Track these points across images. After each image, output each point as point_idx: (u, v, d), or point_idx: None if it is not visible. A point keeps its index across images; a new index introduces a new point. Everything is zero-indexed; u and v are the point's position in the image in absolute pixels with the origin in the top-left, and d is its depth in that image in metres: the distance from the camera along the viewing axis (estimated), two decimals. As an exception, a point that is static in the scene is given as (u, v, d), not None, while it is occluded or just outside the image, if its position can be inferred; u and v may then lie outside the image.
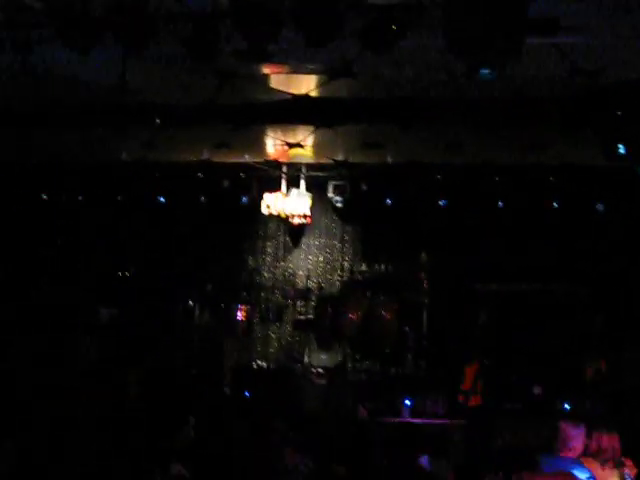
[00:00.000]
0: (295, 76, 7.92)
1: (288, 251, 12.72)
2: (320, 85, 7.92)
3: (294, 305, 11.86)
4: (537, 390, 9.54)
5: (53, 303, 11.47)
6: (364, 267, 12.25)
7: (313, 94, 8.25)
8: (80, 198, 12.03)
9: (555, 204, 11.16)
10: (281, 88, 8.13)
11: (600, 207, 10.93)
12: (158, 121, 8.73)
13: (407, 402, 8.99)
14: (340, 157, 11.18)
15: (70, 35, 4.50)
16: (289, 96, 8.27)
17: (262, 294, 12.39)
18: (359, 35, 4.83)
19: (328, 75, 7.41)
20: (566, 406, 8.69)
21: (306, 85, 8.10)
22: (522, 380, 10.19)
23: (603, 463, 5.83)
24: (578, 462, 5.62)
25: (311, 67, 7.38)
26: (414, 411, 9.10)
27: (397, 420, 8.55)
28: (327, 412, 9.30)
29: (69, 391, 8.13)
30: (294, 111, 8.68)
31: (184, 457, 5.32)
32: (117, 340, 10.82)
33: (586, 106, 7.59)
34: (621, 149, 7.61)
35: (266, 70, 7.72)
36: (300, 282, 12.32)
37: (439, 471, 5.58)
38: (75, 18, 4.45)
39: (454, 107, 8.28)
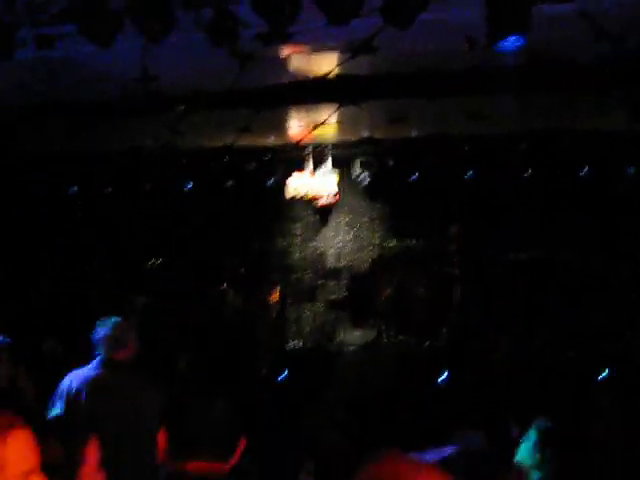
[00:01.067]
0: (316, 55, 7.89)
1: (317, 231, 12.72)
2: (342, 63, 7.87)
3: (325, 285, 11.88)
4: (571, 354, 9.49)
5: (85, 294, 11.61)
6: (394, 243, 12.22)
7: (335, 72, 8.20)
8: (109, 189, 12.13)
9: (584, 170, 11.02)
10: (302, 68, 8.10)
11: (631, 172, 10.76)
12: (181, 108, 8.75)
13: (443, 375, 9.01)
14: (365, 134, 11.14)
15: (91, 28, 4.52)
16: (310, 76, 8.24)
17: (293, 275, 12.43)
18: (379, 10, 4.79)
19: (350, 52, 7.36)
20: (602, 376, 8.63)
21: (328, 64, 8.06)
22: (555, 348, 10.13)
23: None
24: None
25: (332, 45, 7.34)
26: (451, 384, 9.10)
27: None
28: (364, 388, 9.35)
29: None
30: (317, 91, 8.65)
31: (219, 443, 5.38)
32: (153, 327, 10.94)
33: (613, 71, 7.47)
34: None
35: (286, 51, 7.70)
36: (330, 261, 12.33)
37: (477, 442, 5.57)
38: (95, 10, 4.46)
39: (478, 76, 8.19)
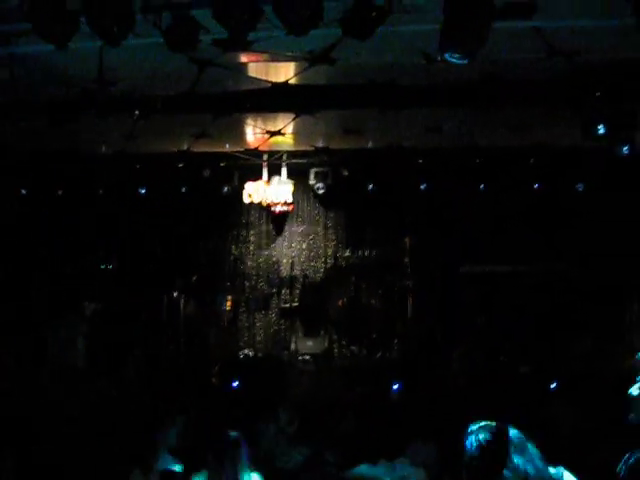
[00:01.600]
0: (274, 64, 7.88)
1: (271, 239, 12.70)
2: (299, 72, 7.88)
3: (279, 293, 11.85)
4: (524, 369, 9.61)
5: (36, 298, 11.38)
6: (348, 253, 12.26)
7: (292, 81, 8.21)
8: (60, 192, 11.92)
9: (536, 185, 11.22)
10: (260, 76, 8.08)
11: (580, 187, 11.00)
12: (137, 112, 8.66)
13: (395, 386, 9.01)
14: (321, 144, 11.16)
15: (47, 28, 4.45)
16: (268, 84, 8.23)
17: (246, 283, 12.38)
18: (339, 22, 4.82)
19: (307, 62, 7.37)
20: (553, 386, 8.76)
21: (285, 73, 8.06)
22: (510, 360, 10.26)
23: None
24: None
25: (290, 54, 7.34)
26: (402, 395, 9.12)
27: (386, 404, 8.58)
28: (316, 398, 9.32)
29: (53, 390, 8.07)
30: (274, 99, 8.64)
31: (176, 451, 5.32)
32: (103, 334, 10.77)
33: (565, 87, 7.61)
34: (601, 129, 7.65)
35: (244, 59, 7.67)
36: (284, 270, 12.31)
37: (429, 454, 5.60)
38: (52, 11, 4.39)
39: (433, 91, 8.27)
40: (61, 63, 7.14)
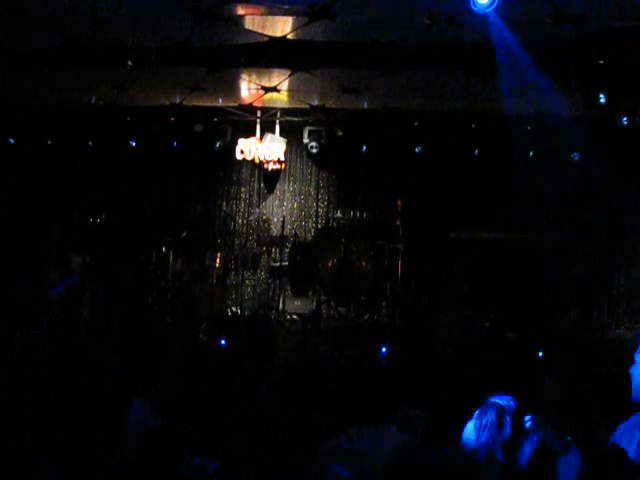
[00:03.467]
0: (271, 18, 7.71)
1: (262, 197, 12.59)
2: (297, 27, 7.71)
3: (268, 252, 11.76)
4: (512, 337, 9.61)
5: (22, 249, 11.25)
6: (339, 214, 12.16)
7: (290, 37, 8.04)
8: (49, 142, 11.73)
9: (531, 153, 11.14)
10: (257, 30, 7.91)
11: (576, 156, 10.92)
12: (130, 63, 8.47)
13: (383, 349, 8.98)
14: (316, 102, 11.01)
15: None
16: (265, 38, 8.06)
17: (236, 241, 12.29)
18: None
19: (307, 17, 7.21)
20: (540, 354, 8.76)
21: (283, 27, 7.89)
22: (497, 327, 10.26)
23: None
24: None
25: (288, 8, 7.17)
26: (390, 359, 9.11)
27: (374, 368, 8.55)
28: (302, 360, 9.30)
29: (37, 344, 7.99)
30: (270, 54, 8.47)
31: (164, 408, 5.27)
32: (89, 288, 10.67)
33: (568, 55, 7.48)
34: (602, 98, 7.55)
35: (241, 11, 7.50)
36: (274, 229, 12.22)
37: (417, 421, 5.57)
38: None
39: (434, 53, 8.13)
40: (52, 8, 6.95)
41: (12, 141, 11.73)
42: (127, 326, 8.36)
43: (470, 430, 3.57)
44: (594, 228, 10.80)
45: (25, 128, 11.54)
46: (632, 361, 3.38)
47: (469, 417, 4.04)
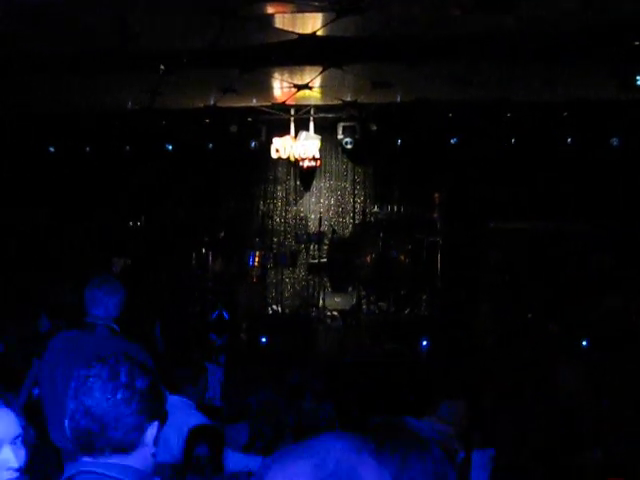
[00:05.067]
0: (301, 15, 7.73)
1: (299, 195, 12.62)
2: (327, 24, 7.72)
3: (307, 249, 11.79)
4: (554, 327, 9.51)
5: (67, 254, 11.44)
6: (376, 208, 12.15)
7: (320, 33, 8.05)
8: (87, 149, 11.91)
9: (569, 140, 10.97)
10: (287, 28, 7.93)
11: (615, 142, 10.71)
12: (162, 67, 8.57)
13: (423, 343, 8.99)
14: (349, 98, 11.00)
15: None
16: (295, 36, 8.08)
17: (274, 239, 12.35)
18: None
19: (335, 13, 7.21)
20: (584, 343, 8.66)
21: (312, 24, 7.90)
22: (538, 318, 10.16)
23: None
24: None
25: (317, 4, 7.18)
26: (430, 352, 9.11)
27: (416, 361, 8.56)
28: (344, 355, 9.33)
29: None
30: (301, 51, 8.49)
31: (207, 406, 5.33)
32: (131, 290, 10.82)
33: (601, 39, 7.36)
34: (638, 81, 7.43)
35: (270, 10, 7.53)
36: (312, 226, 12.24)
37: (458, 412, 5.56)
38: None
39: (464, 43, 8.06)
40: (83, 15, 7.05)
41: (52, 149, 11.94)
42: (168, 326, 8.45)
43: None
44: (634, 214, 10.61)
45: (64, 136, 11.74)
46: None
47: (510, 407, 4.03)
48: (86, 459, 2.13)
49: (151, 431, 2.18)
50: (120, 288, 4.48)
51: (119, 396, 2.12)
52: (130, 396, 2.13)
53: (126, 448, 2.13)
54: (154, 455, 2.20)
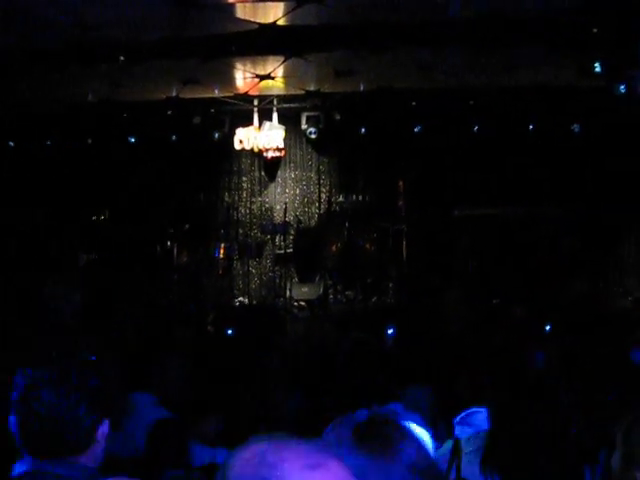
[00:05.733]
0: (262, 4, 7.67)
1: (264, 186, 12.58)
2: (288, 12, 7.68)
3: (273, 240, 11.76)
4: (519, 312, 9.60)
5: (29, 249, 11.28)
6: (341, 198, 12.16)
7: (281, 22, 8.00)
8: (48, 143, 11.73)
9: (532, 126, 11.07)
10: (248, 17, 7.88)
11: (576, 128, 10.85)
12: (122, 58, 8.46)
13: (390, 331, 9.00)
14: (312, 87, 10.97)
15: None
16: (256, 26, 8.03)
17: (240, 230, 12.30)
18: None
19: (296, 1, 7.17)
20: (547, 328, 8.75)
21: (274, 13, 7.85)
22: (504, 303, 10.25)
23: None
24: None
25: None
26: (398, 340, 9.13)
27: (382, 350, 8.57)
28: (311, 344, 9.33)
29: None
30: (262, 41, 8.44)
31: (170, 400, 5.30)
32: (97, 284, 10.71)
33: (562, 24, 7.42)
34: (597, 67, 7.50)
35: (231, -1, 7.47)
36: (278, 216, 12.21)
37: (425, 398, 5.58)
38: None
39: (425, 30, 8.08)
40: (42, 8, 6.93)
41: (12, 144, 11.74)
42: (132, 321, 8.37)
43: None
44: (599, 198, 10.74)
45: (23, 129, 11.54)
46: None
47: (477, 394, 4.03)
48: (38, 459, 2.10)
49: (102, 429, 2.16)
50: (80, 284, 4.43)
51: (71, 399, 2.09)
52: (81, 397, 2.10)
53: (79, 448, 2.10)
54: (103, 450, 2.19)
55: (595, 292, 10.37)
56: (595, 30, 7.30)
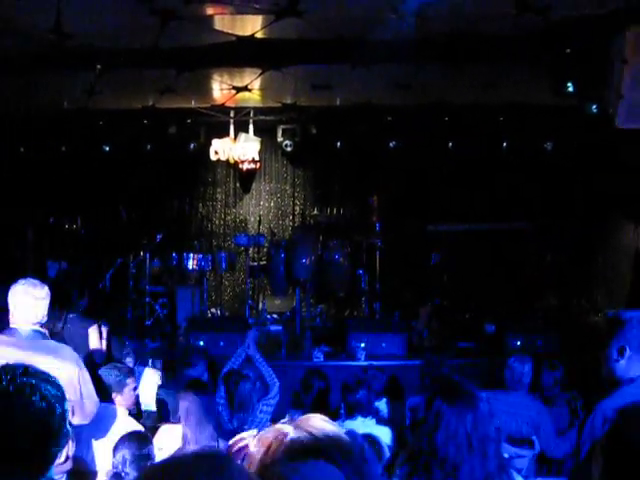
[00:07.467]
0: (240, 17, 7.71)
1: (239, 197, 12.58)
2: (266, 26, 7.71)
3: (247, 252, 11.74)
4: (490, 327, 9.68)
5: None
6: (316, 211, 12.18)
7: (259, 35, 8.03)
8: (22, 150, 11.63)
9: (504, 144, 11.21)
10: (226, 30, 7.90)
11: (549, 146, 10.99)
12: (99, 67, 8.43)
13: (361, 345, 9.02)
14: (289, 100, 11.01)
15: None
16: (234, 38, 8.05)
17: (214, 242, 12.27)
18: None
19: (274, 15, 7.21)
20: (517, 343, 8.84)
21: (251, 26, 7.88)
22: (476, 318, 10.32)
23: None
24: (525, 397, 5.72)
25: (256, 7, 7.17)
26: (369, 354, 9.15)
27: (353, 363, 8.60)
28: (284, 357, 9.31)
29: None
30: (240, 53, 8.46)
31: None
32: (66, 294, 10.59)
33: (535, 44, 7.53)
34: (570, 87, 7.61)
35: (209, 11, 7.49)
36: (252, 228, 12.20)
37: (395, 413, 5.62)
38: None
39: (403, 46, 8.15)
40: (17, 14, 6.89)
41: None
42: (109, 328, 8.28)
43: None
44: (570, 215, 10.89)
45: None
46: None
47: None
48: None
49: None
50: (48, 292, 4.38)
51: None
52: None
53: None
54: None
55: (566, 306, 10.48)
56: (568, 51, 7.42)
